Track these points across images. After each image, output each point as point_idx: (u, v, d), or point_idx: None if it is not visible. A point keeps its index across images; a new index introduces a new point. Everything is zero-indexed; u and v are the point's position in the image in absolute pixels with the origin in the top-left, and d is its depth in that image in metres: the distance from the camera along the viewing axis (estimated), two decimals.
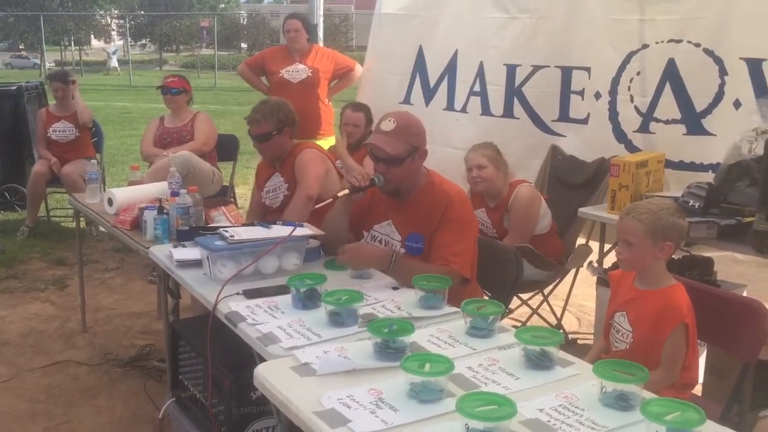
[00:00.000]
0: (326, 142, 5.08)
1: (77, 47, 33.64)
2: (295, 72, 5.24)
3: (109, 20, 36.42)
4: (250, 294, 2.28)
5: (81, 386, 3.48)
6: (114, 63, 29.08)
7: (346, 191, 2.54)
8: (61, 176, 5.60)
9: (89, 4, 35.60)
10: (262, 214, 3.50)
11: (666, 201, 2.29)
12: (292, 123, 3.42)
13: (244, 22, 31.21)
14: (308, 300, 2.18)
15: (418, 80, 5.15)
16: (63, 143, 5.78)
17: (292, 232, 2.45)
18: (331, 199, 2.55)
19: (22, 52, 34.17)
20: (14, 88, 6.69)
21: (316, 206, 2.60)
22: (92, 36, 37.06)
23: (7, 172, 6.57)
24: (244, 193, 6.65)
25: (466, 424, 1.41)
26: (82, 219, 4.32)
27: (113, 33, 36.91)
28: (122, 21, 33.97)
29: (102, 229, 4.85)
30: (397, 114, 2.63)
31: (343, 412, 1.56)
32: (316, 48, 5.47)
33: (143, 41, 36.21)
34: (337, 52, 5.85)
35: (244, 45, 30.62)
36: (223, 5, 47.14)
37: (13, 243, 5.62)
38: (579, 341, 3.99)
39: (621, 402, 1.58)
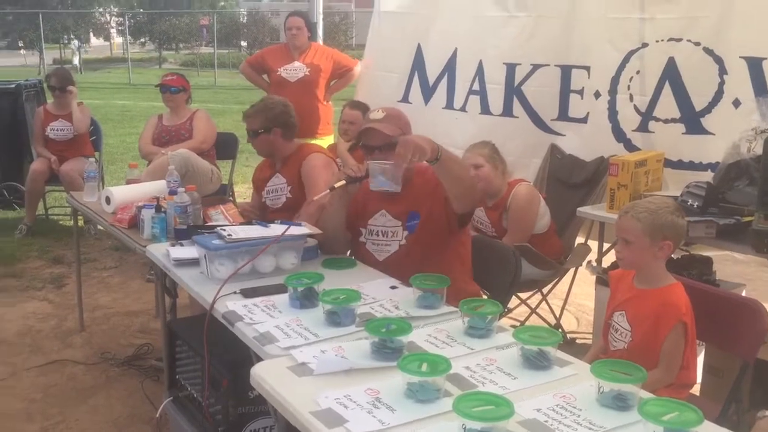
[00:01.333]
0: (324, 142, 5.06)
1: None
2: (293, 71, 5.23)
3: (108, 18, 36.34)
4: (247, 293, 2.28)
5: (78, 386, 3.47)
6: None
7: (343, 182, 2.55)
8: (59, 174, 5.59)
9: (88, 2, 35.50)
10: (262, 215, 3.49)
11: (665, 200, 2.29)
12: (284, 124, 3.36)
13: (244, 20, 31.12)
14: (305, 299, 2.17)
15: (416, 79, 5.13)
16: (61, 142, 5.76)
17: (286, 231, 2.44)
18: (328, 191, 2.57)
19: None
20: (13, 86, 6.66)
21: (315, 198, 2.61)
22: (91, 34, 36.97)
23: (6, 170, 6.54)
24: (243, 191, 6.63)
25: (463, 425, 1.41)
26: (80, 217, 4.31)
27: (112, 31, 36.80)
28: (121, 19, 33.88)
29: (100, 227, 4.85)
30: (384, 107, 2.74)
31: (341, 412, 1.56)
32: (315, 46, 5.45)
33: (142, 39, 36.10)
34: (337, 51, 5.83)
35: (243, 43, 30.52)
36: (223, 3, 46.99)
37: (12, 241, 5.60)
38: (578, 341, 3.98)
39: (618, 402, 1.58)
